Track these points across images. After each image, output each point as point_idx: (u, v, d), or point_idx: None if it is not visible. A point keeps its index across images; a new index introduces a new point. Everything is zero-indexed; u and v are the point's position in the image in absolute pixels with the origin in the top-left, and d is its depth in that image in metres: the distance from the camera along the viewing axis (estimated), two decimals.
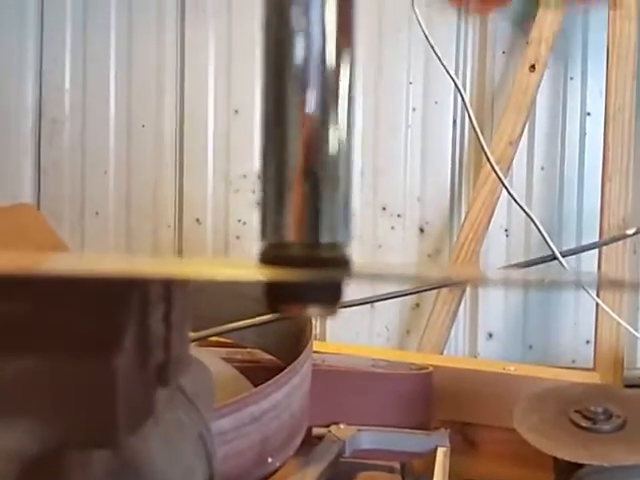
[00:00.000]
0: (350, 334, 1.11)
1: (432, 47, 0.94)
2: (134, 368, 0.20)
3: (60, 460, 0.21)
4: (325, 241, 0.21)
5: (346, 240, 0.22)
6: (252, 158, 1.16)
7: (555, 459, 0.61)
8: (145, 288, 0.21)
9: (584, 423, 0.61)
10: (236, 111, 1.16)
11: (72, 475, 0.22)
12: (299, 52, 0.21)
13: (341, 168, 0.22)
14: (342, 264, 0.21)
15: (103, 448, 0.21)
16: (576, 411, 0.62)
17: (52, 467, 0.21)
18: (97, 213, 1.19)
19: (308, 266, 0.21)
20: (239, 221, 1.16)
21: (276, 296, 0.21)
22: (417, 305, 1.11)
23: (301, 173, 0.21)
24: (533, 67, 1.01)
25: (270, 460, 0.65)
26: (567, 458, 0.58)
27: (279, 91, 0.21)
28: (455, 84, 0.98)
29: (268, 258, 0.21)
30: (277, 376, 0.66)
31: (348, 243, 0.22)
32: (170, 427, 0.34)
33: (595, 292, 0.91)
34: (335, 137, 0.22)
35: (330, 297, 0.21)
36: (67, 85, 1.20)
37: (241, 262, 0.22)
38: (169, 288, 0.23)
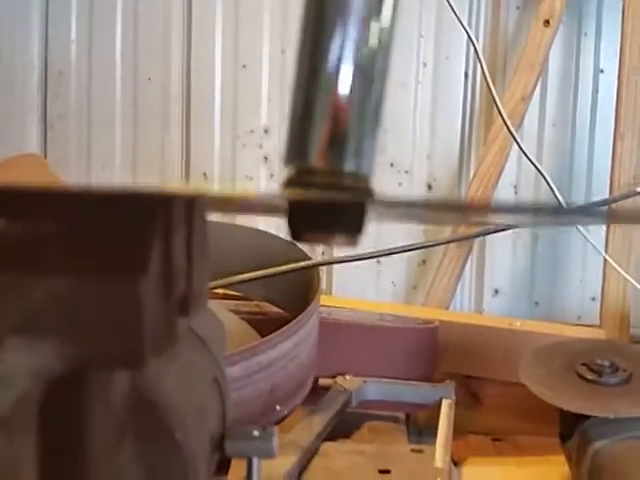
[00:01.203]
0: (357, 289, 1.11)
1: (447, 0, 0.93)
2: (157, 294, 0.20)
3: (81, 382, 0.21)
4: (349, 170, 0.21)
5: (370, 170, 0.22)
6: (259, 113, 1.15)
7: (561, 411, 0.62)
8: (167, 214, 0.21)
9: (590, 376, 0.61)
10: (244, 66, 1.15)
11: (92, 401, 0.22)
12: None
13: (372, 99, 0.21)
14: (365, 193, 0.21)
15: (128, 367, 0.21)
16: (583, 364, 0.63)
17: (73, 388, 0.21)
18: (104, 167, 1.19)
19: (331, 193, 0.21)
20: (246, 176, 1.15)
21: (299, 224, 0.21)
22: (423, 261, 1.11)
23: (331, 100, 0.21)
24: (547, 22, 0.99)
25: (278, 408, 0.66)
26: (573, 410, 0.59)
27: (317, 17, 0.21)
28: (468, 34, 0.97)
29: (292, 183, 0.21)
30: (285, 327, 0.67)
31: (372, 173, 0.22)
32: (186, 367, 0.34)
33: (604, 248, 0.91)
34: (368, 66, 0.21)
35: (353, 225, 0.21)
36: (73, 36, 1.18)
37: (266, 195, 0.22)
38: (190, 217, 0.22)
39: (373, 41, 0.21)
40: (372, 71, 0.21)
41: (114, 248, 0.20)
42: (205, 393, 0.36)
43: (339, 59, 0.21)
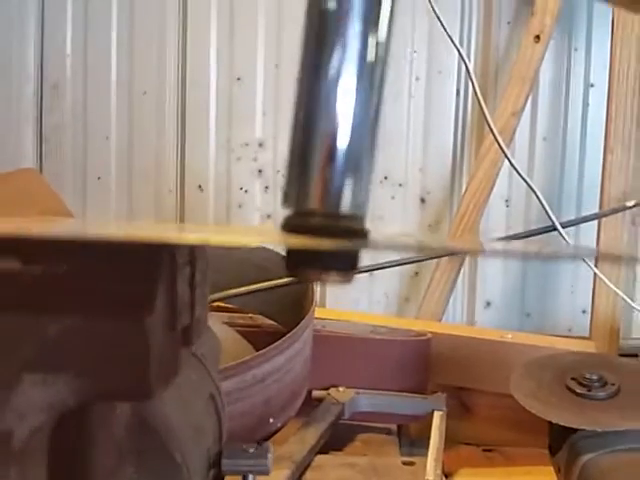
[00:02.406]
0: (350, 301, 1.12)
1: (437, 16, 0.94)
2: (164, 328, 0.21)
3: (87, 413, 0.22)
4: (345, 212, 0.22)
5: (364, 212, 0.23)
6: (254, 126, 1.16)
7: (550, 424, 0.62)
8: (174, 251, 0.22)
9: (579, 390, 0.62)
10: (238, 78, 1.16)
11: (96, 429, 0.23)
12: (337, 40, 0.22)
13: (366, 144, 0.22)
14: (360, 235, 0.22)
15: (136, 400, 0.22)
16: (572, 378, 0.64)
17: (81, 418, 0.22)
18: (99, 178, 1.19)
19: (328, 235, 0.22)
20: (241, 189, 1.16)
21: (296, 261, 0.22)
22: (416, 273, 1.12)
23: (327, 146, 0.22)
24: (538, 38, 1.00)
25: (272, 421, 0.67)
26: (562, 423, 0.59)
27: (313, 69, 0.22)
28: (459, 53, 0.98)
29: (290, 225, 0.22)
30: (280, 340, 0.67)
31: (366, 215, 0.23)
32: (183, 387, 0.35)
33: (593, 262, 0.93)
34: (363, 114, 0.22)
35: (347, 265, 0.22)
36: (68, 50, 1.19)
37: (263, 230, 0.23)
38: (193, 251, 0.23)
39: (368, 92, 0.22)
40: (367, 118, 0.22)
41: (123, 287, 0.21)
42: (202, 411, 0.37)
43: (335, 107, 0.22)
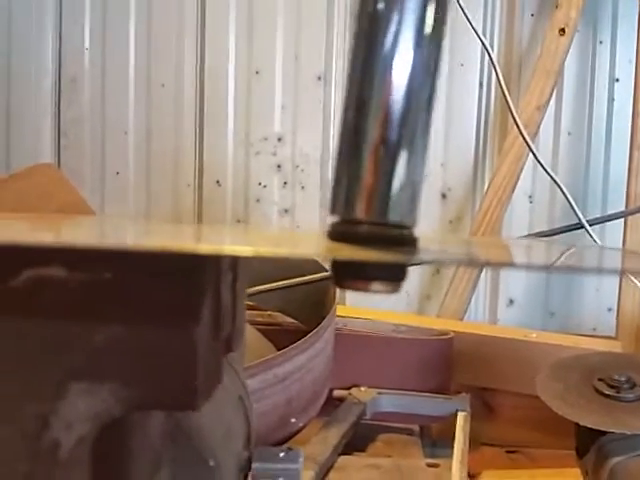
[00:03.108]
0: (370, 299, 1.11)
1: (461, 7, 0.92)
2: (209, 337, 0.21)
3: (125, 422, 0.21)
4: (393, 221, 0.21)
5: (413, 221, 0.22)
6: (273, 121, 1.15)
7: (577, 426, 0.61)
8: (218, 257, 0.21)
9: (608, 391, 0.61)
10: (257, 72, 1.15)
11: (134, 435, 0.22)
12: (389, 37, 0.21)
13: (417, 150, 0.22)
14: (409, 244, 0.22)
15: (182, 410, 0.22)
16: (600, 379, 0.62)
17: (119, 428, 0.21)
18: (117, 173, 1.19)
19: (375, 244, 0.21)
20: (259, 184, 1.15)
21: (343, 271, 0.21)
22: (437, 271, 1.11)
23: (376, 153, 0.21)
24: (563, 31, 0.98)
25: (293, 420, 0.66)
26: (590, 425, 0.58)
27: (365, 74, 0.21)
28: (483, 44, 0.96)
29: (337, 234, 0.21)
30: (301, 339, 0.67)
31: (415, 224, 0.22)
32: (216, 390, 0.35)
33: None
34: (413, 123, 0.21)
35: (394, 275, 0.21)
36: (87, 44, 1.19)
37: (309, 237, 0.23)
38: (236, 258, 0.23)
39: (416, 95, 0.21)
40: (416, 123, 0.21)
41: (169, 295, 0.20)
42: (232, 414, 0.37)
43: (384, 113, 0.21)
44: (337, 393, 0.78)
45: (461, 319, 1.00)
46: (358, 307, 1.01)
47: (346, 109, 0.22)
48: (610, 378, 0.62)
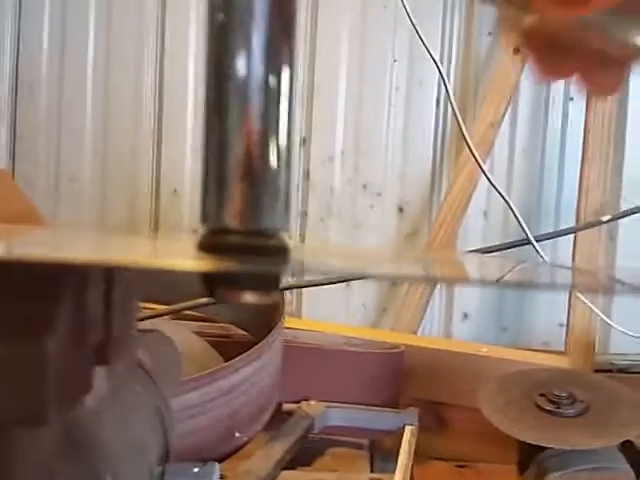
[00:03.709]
0: (326, 311, 1.11)
1: (416, 29, 0.93)
2: (68, 348, 0.20)
3: (7, 435, 0.21)
4: (264, 229, 0.21)
5: (285, 228, 0.22)
6: None
7: (519, 441, 0.62)
8: (81, 268, 0.21)
9: (548, 407, 0.62)
10: None
11: (20, 446, 0.22)
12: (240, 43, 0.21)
13: (282, 157, 0.22)
14: (280, 252, 0.22)
15: (35, 425, 0.21)
16: (541, 395, 0.63)
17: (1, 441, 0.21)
18: (72, 179, 1.18)
19: (247, 254, 0.21)
20: None
21: (212, 282, 0.21)
22: (394, 283, 1.11)
23: (242, 161, 0.21)
24: (518, 50, 1.00)
25: (238, 435, 0.65)
26: (529, 441, 0.59)
27: (221, 81, 0.21)
28: (438, 69, 0.97)
29: (207, 244, 0.21)
30: (248, 351, 0.66)
31: (286, 231, 0.22)
32: (125, 401, 0.34)
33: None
34: (277, 127, 0.21)
35: (267, 284, 0.21)
36: (45, 46, 1.17)
37: (179, 249, 0.22)
38: (109, 268, 0.22)
39: (278, 103, 0.21)
40: (280, 128, 0.21)
41: (20, 308, 0.20)
42: (145, 426, 0.36)
43: (246, 120, 0.21)
44: (286, 407, 0.77)
45: (415, 332, 1.00)
46: (312, 320, 1.01)
47: (206, 115, 0.22)
48: (551, 394, 0.63)
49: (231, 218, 0.21)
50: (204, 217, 0.22)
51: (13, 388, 0.19)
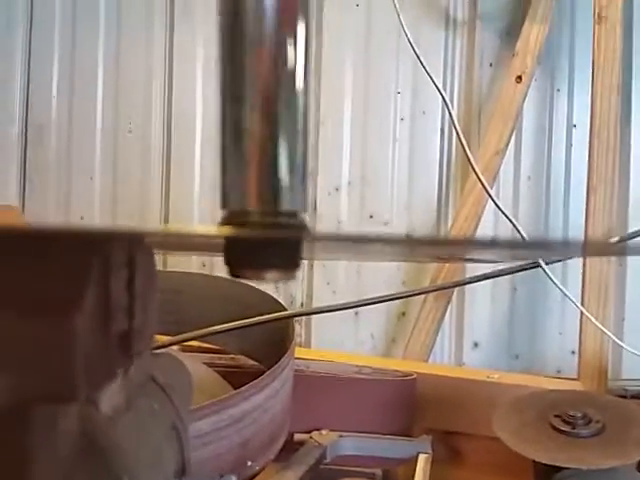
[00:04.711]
0: (335, 342, 1.10)
1: (419, 59, 0.95)
2: (94, 329, 0.20)
3: (25, 420, 0.21)
4: (283, 209, 0.22)
5: (303, 208, 0.22)
6: None
7: (534, 462, 0.61)
8: (107, 253, 0.21)
9: (563, 427, 0.61)
10: None
11: (36, 441, 0.22)
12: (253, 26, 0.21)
13: (300, 139, 0.22)
14: (300, 230, 0.22)
15: (62, 401, 0.21)
16: (556, 415, 0.62)
17: (17, 426, 0.21)
18: (82, 217, 1.19)
19: (266, 232, 0.21)
20: None
21: (236, 262, 0.21)
22: (403, 314, 1.11)
23: (260, 145, 0.22)
24: (520, 78, 1.01)
25: (250, 464, 0.65)
26: (545, 461, 0.58)
27: (236, 64, 0.22)
28: (442, 97, 0.99)
29: (228, 223, 0.21)
30: (258, 379, 0.66)
31: (305, 211, 0.22)
32: (142, 413, 0.34)
33: (580, 301, 0.92)
34: (293, 112, 0.22)
35: (288, 261, 0.21)
36: (54, 92, 1.20)
37: (204, 228, 0.23)
38: (132, 256, 0.23)
39: (295, 85, 0.22)
40: (296, 114, 0.22)
41: (50, 285, 0.20)
42: (162, 440, 0.36)
43: (263, 102, 0.22)
44: (298, 437, 0.76)
45: (426, 361, 0.99)
46: (322, 350, 1.01)
47: (223, 103, 0.22)
48: (566, 414, 0.62)
49: (250, 200, 0.21)
50: (224, 201, 0.22)
51: (44, 360, 0.19)
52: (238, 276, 0.21)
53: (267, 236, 0.21)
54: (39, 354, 0.19)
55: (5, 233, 0.22)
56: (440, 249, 0.31)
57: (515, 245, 0.28)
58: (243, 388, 0.65)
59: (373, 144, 1.12)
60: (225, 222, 0.21)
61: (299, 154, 0.22)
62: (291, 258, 0.21)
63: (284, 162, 0.22)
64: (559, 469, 0.57)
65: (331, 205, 1.13)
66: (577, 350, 0.97)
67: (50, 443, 0.22)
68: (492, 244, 0.28)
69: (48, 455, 0.22)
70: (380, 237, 0.27)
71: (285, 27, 0.21)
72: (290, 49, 0.22)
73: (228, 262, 0.21)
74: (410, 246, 0.26)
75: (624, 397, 0.95)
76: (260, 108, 0.21)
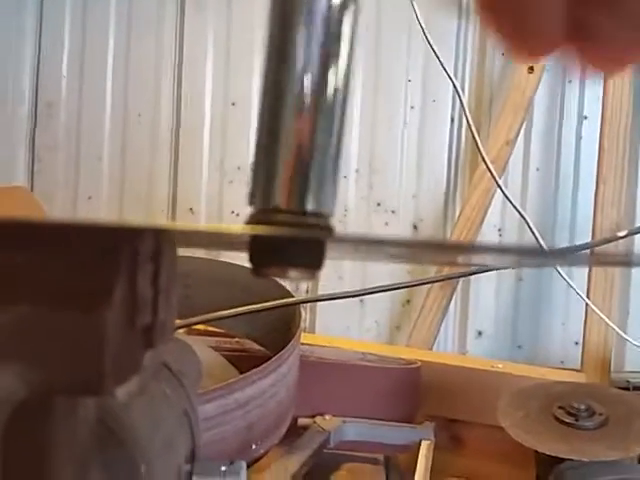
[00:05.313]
0: (340, 329, 1.11)
1: (431, 47, 0.94)
2: (121, 324, 0.21)
3: (46, 410, 0.21)
4: (311, 209, 0.22)
5: (331, 210, 0.23)
6: (248, 150, 1.16)
7: (537, 453, 0.61)
8: (135, 246, 0.21)
9: (567, 419, 0.61)
10: (233, 103, 1.16)
11: (57, 430, 0.22)
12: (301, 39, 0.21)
13: (333, 140, 0.22)
14: (325, 230, 0.22)
15: (90, 394, 0.22)
16: (560, 407, 0.63)
17: (38, 415, 0.21)
18: (90, 197, 1.19)
19: (293, 231, 0.21)
20: (232, 212, 1.16)
21: (259, 259, 0.21)
22: (408, 302, 1.11)
23: (296, 144, 0.22)
24: (532, 69, 1.01)
25: (254, 447, 0.65)
26: (548, 452, 0.58)
27: (279, 68, 0.22)
28: (454, 85, 0.98)
29: (254, 221, 0.21)
30: (264, 364, 0.66)
31: (332, 213, 0.23)
32: (155, 399, 0.34)
33: (585, 293, 0.92)
34: (328, 112, 0.22)
35: (312, 261, 0.22)
36: (64, 72, 1.20)
37: (228, 226, 0.23)
38: (158, 250, 0.23)
39: (332, 84, 0.22)
40: (332, 114, 0.22)
41: (79, 278, 0.20)
42: (174, 425, 0.36)
43: (301, 102, 0.22)
44: (302, 421, 0.77)
45: (430, 349, 1.00)
46: (327, 336, 1.01)
47: (262, 101, 0.23)
48: (570, 406, 0.63)
49: (279, 198, 0.22)
50: (252, 198, 0.22)
51: (72, 353, 0.20)
52: (261, 273, 0.21)
53: (293, 235, 0.21)
54: (68, 347, 0.20)
55: (36, 226, 0.22)
56: (467, 255, 0.31)
57: (531, 253, 0.28)
58: (249, 373, 0.65)
59: (382, 132, 1.12)
60: (251, 219, 0.22)
61: (332, 156, 0.22)
62: (315, 258, 0.21)
63: (317, 163, 0.22)
64: (561, 460, 0.58)
65: (339, 192, 1.13)
66: (581, 341, 0.97)
67: (69, 430, 0.22)
68: (520, 251, 0.28)
69: (67, 443, 0.23)
70: (408, 241, 0.27)
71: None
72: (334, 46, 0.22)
73: (251, 259, 0.21)
74: (440, 251, 0.26)
75: (627, 389, 0.95)
76: (299, 107, 0.22)
